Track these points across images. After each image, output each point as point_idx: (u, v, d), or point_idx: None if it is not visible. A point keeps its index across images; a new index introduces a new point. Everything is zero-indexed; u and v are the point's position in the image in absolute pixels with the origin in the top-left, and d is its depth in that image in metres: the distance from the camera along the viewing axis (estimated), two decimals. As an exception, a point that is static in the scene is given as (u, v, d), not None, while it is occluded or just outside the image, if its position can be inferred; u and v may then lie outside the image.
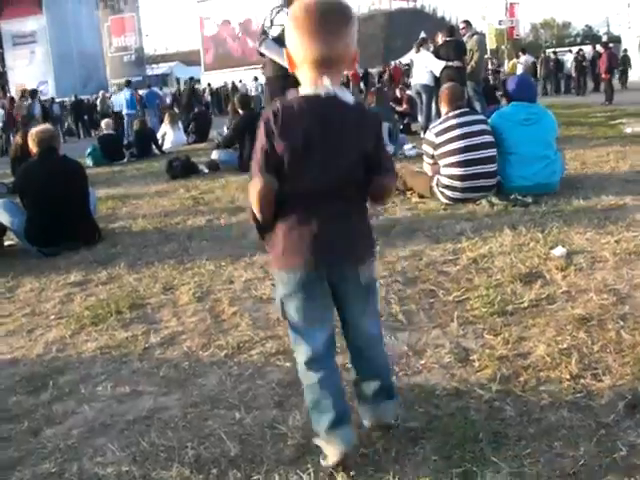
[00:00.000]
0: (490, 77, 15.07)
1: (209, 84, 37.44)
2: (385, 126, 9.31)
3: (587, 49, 28.45)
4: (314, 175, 1.88)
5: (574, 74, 23.86)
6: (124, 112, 19.73)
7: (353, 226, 1.98)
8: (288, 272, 1.95)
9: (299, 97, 1.89)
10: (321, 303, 1.99)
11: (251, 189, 1.91)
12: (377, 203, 2.08)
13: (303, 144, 1.85)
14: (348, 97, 1.90)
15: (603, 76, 18.85)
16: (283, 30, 6.13)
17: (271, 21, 6.59)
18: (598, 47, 23.54)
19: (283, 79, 6.13)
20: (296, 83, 1.94)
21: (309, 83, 1.88)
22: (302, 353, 2.03)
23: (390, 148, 9.12)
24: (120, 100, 21.06)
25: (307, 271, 1.93)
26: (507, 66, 26.96)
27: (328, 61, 1.84)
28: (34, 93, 17.32)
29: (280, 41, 6.22)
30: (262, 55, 6.44)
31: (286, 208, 1.92)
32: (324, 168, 1.89)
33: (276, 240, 1.96)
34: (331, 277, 1.97)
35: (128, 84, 21.34)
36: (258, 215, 1.95)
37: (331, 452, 2.03)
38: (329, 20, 1.82)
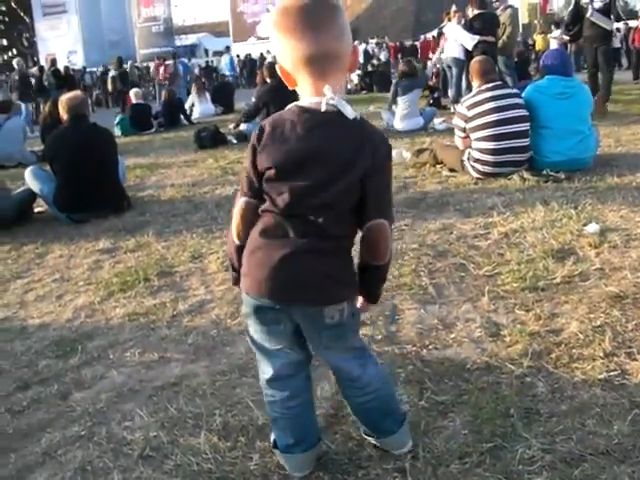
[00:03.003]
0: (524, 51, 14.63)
1: (237, 55, 37.27)
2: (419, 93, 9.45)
3: (620, 25, 27.63)
4: (291, 202, 1.68)
5: (632, 47, 21.72)
6: (226, 74, 22.50)
7: (323, 267, 1.73)
8: (245, 295, 1.81)
9: (295, 109, 1.70)
10: (278, 331, 1.81)
11: (234, 211, 1.80)
12: (369, 258, 1.76)
13: (284, 167, 1.67)
14: (349, 111, 1.65)
15: None
16: (605, 4, 9.52)
17: None
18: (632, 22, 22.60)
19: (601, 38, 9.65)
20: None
21: (309, 92, 1.67)
22: (263, 372, 1.90)
23: (420, 120, 9.10)
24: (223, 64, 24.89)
25: (262, 301, 1.76)
26: (537, 40, 26.21)
27: (322, 60, 1.62)
28: (175, 55, 21.68)
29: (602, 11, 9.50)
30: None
31: (256, 229, 1.76)
32: (304, 196, 1.67)
33: (243, 259, 1.80)
34: (291, 312, 1.78)
35: (228, 50, 25.16)
36: (235, 236, 1.81)
37: (286, 467, 1.99)
38: (310, 13, 1.61)
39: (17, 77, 16.84)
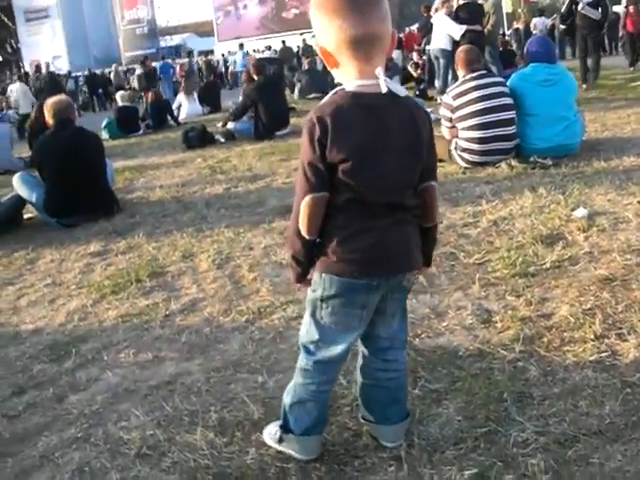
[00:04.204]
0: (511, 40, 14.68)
1: (222, 54, 37.21)
2: (396, 80, 9.43)
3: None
4: (376, 185, 1.70)
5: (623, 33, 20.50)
6: (238, 70, 24.33)
7: (410, 236, 1.81)
8: (337, 277, 1.78)
9: (347, 94, 1.67)
10: (362, 312, 1.83)
11: (301, 208, 1.72)
12: (427, 220, 1.87)
13: (361, 153, 1.66)
14: (400, 89, 1.68)
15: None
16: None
17: None
18: (617, 8, 22.62)
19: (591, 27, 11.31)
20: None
21: (354, 75, 1.67)
22: (320, 353, 1.89)
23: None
24: (235, 60, 26.85)
25: (360, 281, 1.77)
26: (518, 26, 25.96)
27: (368, 42, 1.63)
28: (190, 53, 24.59)
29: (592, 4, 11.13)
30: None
31: (340, 217, 1.74)
32: (386, 177, 1.70)
33: (327, 248, 1.76)
34: (383, 288, 1.82)
35: (241, 47, 26.80)
36: (306, 232, 1.75)
37: (299, 452, 2.01)
38: None
39: (48, 79, 17.16)
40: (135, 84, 23.27)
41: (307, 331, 1.91)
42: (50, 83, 17.11)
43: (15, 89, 17.73)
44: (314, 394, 1.93)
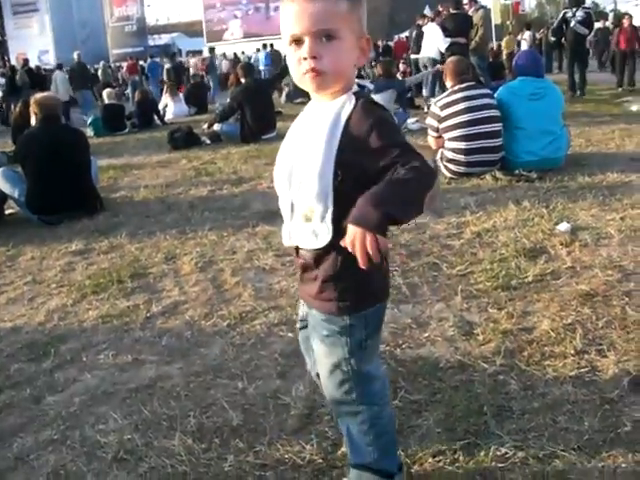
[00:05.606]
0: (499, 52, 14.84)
1: (242, 52, 37.02)
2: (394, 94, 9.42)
3: (596, 25, 27.90)
4: None
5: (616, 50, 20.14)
6: (261, 67, 24.56)
7: None
8: (377, 305, 1.65)
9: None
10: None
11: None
12: None
13: None
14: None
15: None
16: (583, 18, 12.04)
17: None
18: (607, 23, 22.94)
19: (578, 42, 12.36)
20: None
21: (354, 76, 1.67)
22: (379, 389, 1.73)
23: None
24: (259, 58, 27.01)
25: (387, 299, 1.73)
26: (503, 43, 26.02)
27: None
28: (212, 50, 26.67)
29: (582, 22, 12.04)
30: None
31: None
32: None
33: (365, 277, 1.51)
34: None
35: (265, 47, 27.27)
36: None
37: None
38: None
39: (77, 67, 18.55)
40: (164, 77, 23.79)
41: (339, 385, 1.67)
42: (80, 72, 17.65)
43: (54, 76, 18.31)
44: (390, 414, 1.79)
